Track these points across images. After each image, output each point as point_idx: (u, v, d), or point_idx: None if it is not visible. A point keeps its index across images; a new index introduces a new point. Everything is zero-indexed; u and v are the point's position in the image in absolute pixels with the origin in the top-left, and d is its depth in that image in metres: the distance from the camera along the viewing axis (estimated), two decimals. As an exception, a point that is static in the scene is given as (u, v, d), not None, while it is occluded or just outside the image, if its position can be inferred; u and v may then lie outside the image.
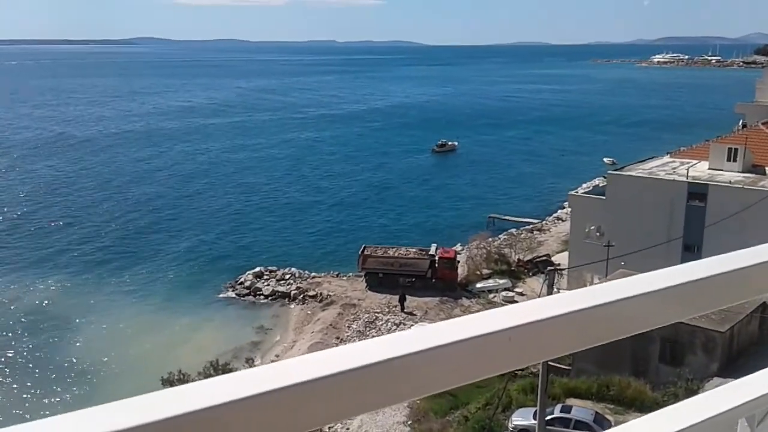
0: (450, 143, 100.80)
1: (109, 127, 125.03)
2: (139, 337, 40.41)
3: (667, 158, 46.74)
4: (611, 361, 28.65)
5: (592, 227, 43.03)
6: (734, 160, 41.66)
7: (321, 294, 46.04)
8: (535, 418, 24.73)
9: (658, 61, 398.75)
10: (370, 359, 0.97)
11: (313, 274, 50.09)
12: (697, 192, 39.40)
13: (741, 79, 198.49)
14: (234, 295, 47.65)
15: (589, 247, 41.47)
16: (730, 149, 42.18)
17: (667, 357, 28.91)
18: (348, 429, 30.52)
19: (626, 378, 28.06)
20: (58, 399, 34.12)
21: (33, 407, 33.30)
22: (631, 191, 41.51)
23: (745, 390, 1.62)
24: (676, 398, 24.81)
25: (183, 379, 29.76)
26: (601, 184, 55.25)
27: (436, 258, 46.37)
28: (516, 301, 43.46)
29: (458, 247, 54.15)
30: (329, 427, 29.69)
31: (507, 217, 63.89)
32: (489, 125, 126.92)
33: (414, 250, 48.33)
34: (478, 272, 48.41)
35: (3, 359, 38.30)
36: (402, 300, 42.81)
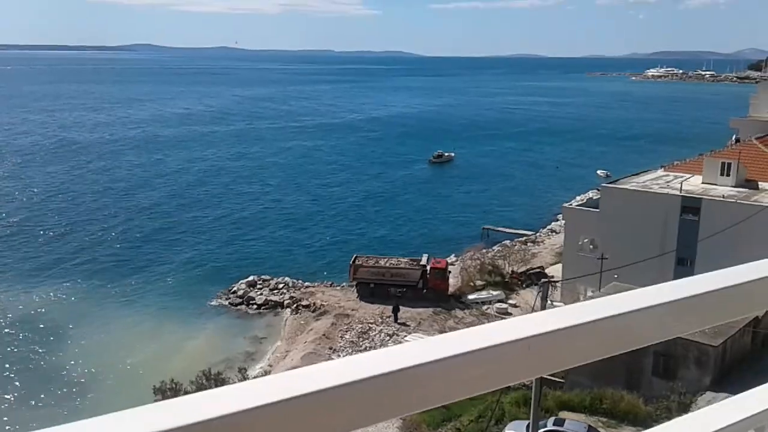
0: (447, 154, 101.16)
1: (105, 134, 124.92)
2: (132, 346, 40.18)
3: (660, 172, 46.95)
4: (604, 374, 28.63)
5: (586, 240, 43.12)
6: (728, 175, 41.88)
7: (314, 304, 45.92)
8: (528, 431, 24.66)
9: (653, 75, 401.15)
10: (393, 367, 0.97)
11: (306, 283, 49.99)
12: (691, 206, 39.57)
13: (734, 94, 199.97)
14: (227, 304, 47.47)
15: (582, 260, 41.56)
16: (723, 164, 42.41)
17: (660, 370, 28.91)
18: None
19: (619, 391, 28.04)
20: (50, 407, 33.82)
21: (25, 416, 33.04)
22: (624, 204, 41.65)
23: (753, 402, 1.62)
24: (669, 412, 24.82)
25: (175, 388, 29.58)
26: (595, 197, 55.39)
27: (428, 268, 46.37)
28: (510, 313, 43.54)
29: (452, 258, 54.18)
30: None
31: (501, 229, 64.00)
32: (485, 137, 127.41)
33: (405, 260, 48.32)
34: (472, 283, 48.40)
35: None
36: (395, 311, 42.75)
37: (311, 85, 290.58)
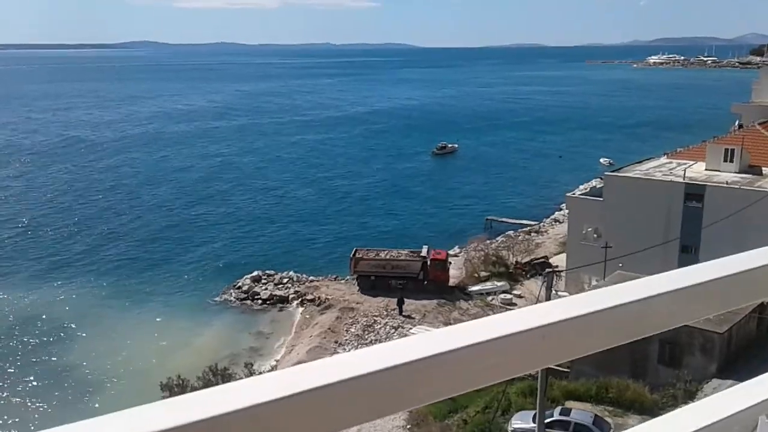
0: (450, 145, 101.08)
1: (109, 132, 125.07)
2: (139, 343, 40.31)
3: (664, 159, 46.83)
4: (610, 363, 28.65)
5: (590, 229, 43.06)
6: (731, 161, 41.73)
7: (319, 298, 46.00)
8: (534, 421, 24.72)
9: (654, 62, 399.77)
10: (407, 358, 0.98)
11: (311, 277, 50.04)
12: (694, 193, 39.46)
13: (737, 79, 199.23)
14: (232, 300, 47.56)
15: (586, 249, 41.51)
16: (726, 150, 42.26)
17: (666, 358, 28.93)
18: (347, 433, 30.43)
19: (625, 380, 28.07)
20: (59, 404, 33.98)
21: (32, 413, 33.22)
22: (628, 192, 41.56)
23: (761, 389, 1.63)
24: (675, 400, 24.85)
25: (182, 384, 29.68)
26: (598, 186, 55.32)
27: (428, 259, 46.47)
28: (514, 304, 43.55)
29: (456, 250, 54.17)
30: None
31: (505, 219, 63.93)
32: (488, 127, 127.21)
33: (405, 252, 48.36)
34: (476, 275, 48.41)
35: (2, 364, 38.16)
36: (400, 303, 42.80)
37: (312, 79, 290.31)
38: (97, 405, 33.21)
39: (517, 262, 50.26)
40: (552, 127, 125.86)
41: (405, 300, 43.11)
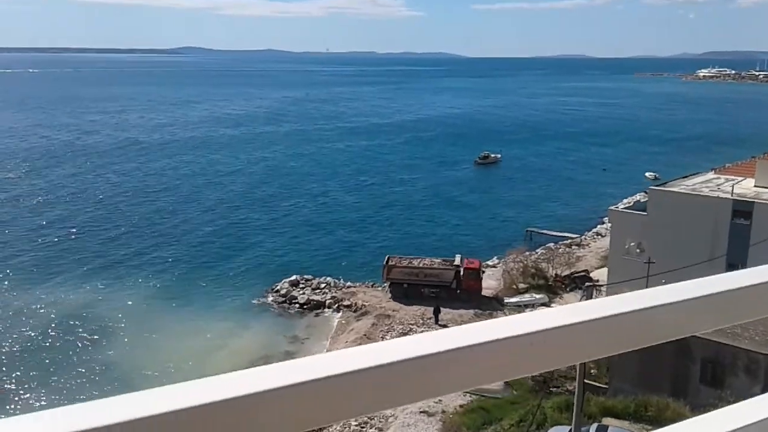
0: (493, 155, 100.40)
1: (161, 135, 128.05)
2: (177, 342, 40.99)
3: (711, 174, 45.72)
4: (650, 381, 28.02)
5: (633, 243, 42.22)
6: (782, 178, 40.51)
7: (355, 304, 46.12)
8: (569, 437, 24.27)
9: (704, 76, 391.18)
10: (398, 357, 1.01)
11: (348, 283, 50.23)
12: (742, 210, 38.38)
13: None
14: (270, 302, 48.05)
15: (628, 264, 40.71)
16: (777, 166, 41.06)
17: (708, 378, 28.14)
18: (379, 441, 30.45)
19: (665, 398, 27.39)
20: (93, 399, 34.67)
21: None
22: (673, 208, 40.66)
23: None
24: (716, 421, 24.10)
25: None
26: (642, 200, 54.29)
27: (462, 268, 46.21)
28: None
29: (495, 260, 53.78)
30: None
31: (545, 231, 63.19)
32: (532, 138, 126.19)
33: (438, 260, 48.24)
34: (515, 286, 47.94)
35: (42, 362, 39.20)
36: (436, 312, 42.63)
37: (356, 87, 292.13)
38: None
39: (556, 275, 49.60)
40: (598, 139, 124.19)
41: (441, 309, 42.95)
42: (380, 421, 32.43)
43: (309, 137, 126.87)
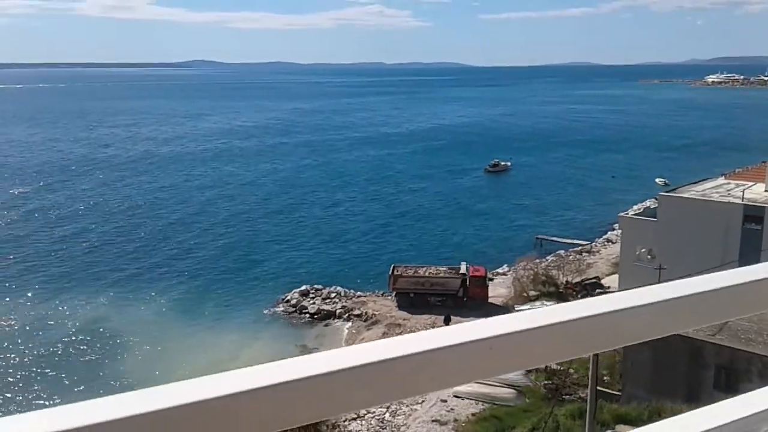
0: (503, 163, 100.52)
1: (175, 147, 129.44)
2: (189, 354, 41.08)
3: (721, 180, 45.52)
4: (663, 388, 27.81)
5: (643, 250, 42.06)
6: (793, 182, 40.31)
7: (366, 313, 46.11)
8: (582, 444, 24.13)
9: (712, 81, 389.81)
10: (361, 361, 1.05)
11: (358, 293, 50.26)
12: (753, 215, 38.20)
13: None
14: (281, 313, 48.14)
15: (639, 270, 40.51)
16: (788, 170, 40.85)
17: (722, 384, 27.90)
18: (391, 449, 30.37)
19: (679, 405, 27.16)
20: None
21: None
22: (684, 213, 40.49)
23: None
24: (731, 427, 23.90)
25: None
26: (653, 206, 54.09)
27: (468, 276, 46.20)
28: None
29: (505, 268, 53.67)
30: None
31: (555, 239, 63.02)
32: (541, 146, 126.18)
33: (444, 268, 48.36)
34: (525, 294, 47.80)
35: (56, 373, 39.40)
36: (447, 321, 42.55)
37: (366, 97, 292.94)
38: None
39: (567, 282, 49.43)
40: (608, 146, 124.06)
41: (451, 318, 42.87)
42: (392, 431, 32.36)
43: (319, 148, 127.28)
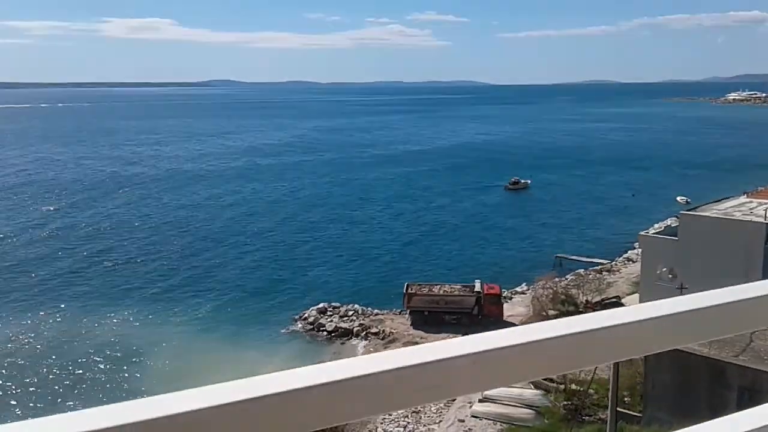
0: (523, 181, 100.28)
1: (201, 165, 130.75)
2: (206, 371, 41.09)
3: (743, 198, 44.98)
4: (685, 409, 27.34)
5: (664, 269, 41.56)
6: (817, 201, 39.70)
7: (383, 331, 45.95)
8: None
9: (734, 99, 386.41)
10: (354, 373, 1.08)
11: (375, 311, 50.12)
12: (777, 233, 37.61)
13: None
14: (299, 330, 48.14)
15: (660, 290, 39.97)
16: (812, 189, 40.27)
17: (745, 405, 27.32)
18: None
19: (701, 427, 26.65)
20: None
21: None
22: (705, 232, 39.99)
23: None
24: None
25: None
26: (674, 225, 53.52)
27: (482, 294, 46.00)
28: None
29: (524, 287, 53.29)
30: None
31: (575, 257, 62.50)
32: (562, 164, 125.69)
33: (458, 286, 48.29)
34: (544, 313, 47.31)
35: (75, 388, 39.67)
36: (465, 339, 42.28)
37: (385, 116, 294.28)
38: None
39: (587, 301, 48.89)
40: (628, 165, 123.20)
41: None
42: (410, 451, 32.11)
43: (341, 166, 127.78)
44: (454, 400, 35.71)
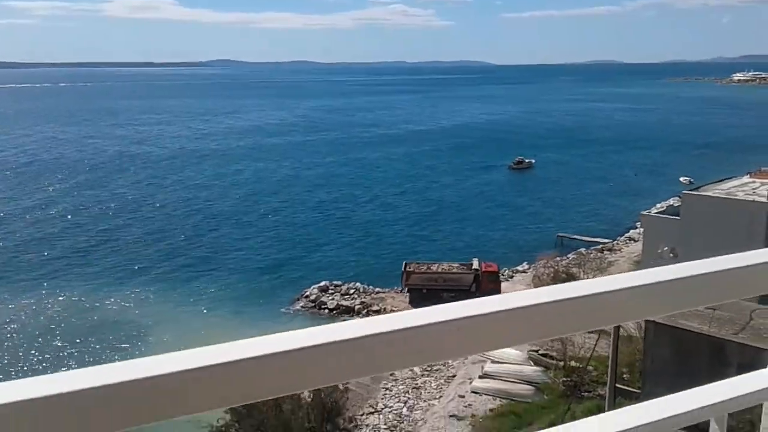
0: (527, 160, 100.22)
1: (209, 143, 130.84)
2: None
3: (746, 178, 44.82)
4: (684, 386, 27.43)
5: (665, 248, 41.57)
6: (820, 180, 39.59)
7: (385, 309, 46.18)
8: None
9: (739, 79, 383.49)
10: (347, 336, 1.12)
11: (377, 289, 50.36)
12: (779, 213, 37.53)
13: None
14: (300, 308, 48.39)
15: (661, 268, 40.05)
16: (815, 168, 40.14)
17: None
18: (409, 444, 30.43)
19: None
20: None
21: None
22: (707, 212, 39.91)
23: (719, 391, 1.73)
24: (752, 426, 23.62)
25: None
26: (675, 204, 53.46)
27: (480, 272, 46.20)
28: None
29: (525, 266, 53.43)
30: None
31: (576, 237, 62.60)
32: (565, 143, 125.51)
33: (456, 264, 48.61)
34: (545, 292, 47.55)
35: (77, 361, 39.99)
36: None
37: (389, 96, 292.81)
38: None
39: (588, 280, 49.00)
40: (632, 145, 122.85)
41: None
42: (410, 425, 32.42)
43: (346, 145, 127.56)
44: (454, 376, 35.99)
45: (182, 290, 51.76)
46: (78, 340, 43.10)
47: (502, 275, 50.87)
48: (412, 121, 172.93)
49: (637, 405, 1.65)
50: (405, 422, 32.52)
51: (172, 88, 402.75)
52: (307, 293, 50.13)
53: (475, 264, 47.78)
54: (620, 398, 26.95)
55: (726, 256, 1.64)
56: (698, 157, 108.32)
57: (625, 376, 30.94)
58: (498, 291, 46.16)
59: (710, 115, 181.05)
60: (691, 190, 44.44)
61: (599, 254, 56.55)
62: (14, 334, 44.12)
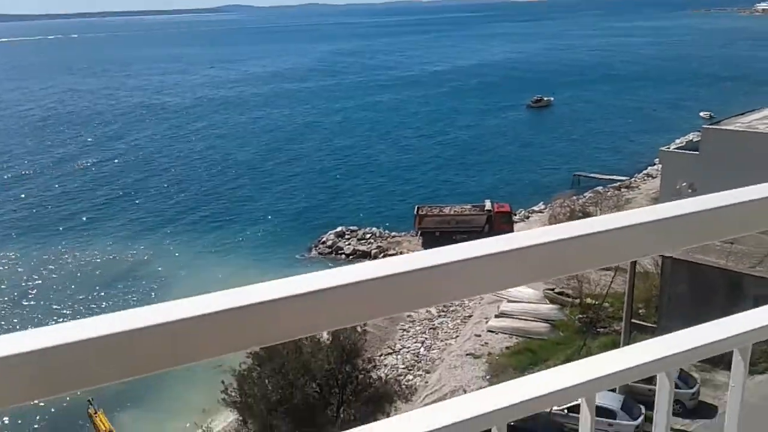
0: (546, 99, 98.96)
1: (226, 91, 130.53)
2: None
3: (768, 110, 43.75)
4: (700, 320, 27.44)
5: (684, 184, 41.00)
6: None
7: (401, 253, 46.10)
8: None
9: (763, 9, 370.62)
10: (363, 277, 1.11)
11: (393, 233, 50.57)
12: (801, 145, 36.73)
13: None
14: (317, 255, 48.82)
15: (679, 204, 39.63)
16: (839, 97, 39.02)
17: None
18: (427, 382, 31.02)
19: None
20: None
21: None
22: (727, 146, 39.12)
23: (743, 321, 1.66)
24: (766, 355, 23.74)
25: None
26: (695, 139, 52.50)
27: (493, 213, 46.14)
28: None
29: (541, 206, 53.21)
30: (409, 379, 30.31)
31: (593, 175, 62.00)
32: (585, 81, 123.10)
33: (468, 206, 48.53)
34: (561, 231, 47.42)
35: (94, 313, 40.90)
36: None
37: (403, 36, 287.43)
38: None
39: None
40: (652, 81, 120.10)
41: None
42: (427, 364, 32.98)
43: (361, 89, 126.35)
44: (470, 316, 36.37)
45: (202, 241, 52.37)
46: (101, 291, 44.02)
47: (518, 216, 50.73)
48: (429, 62, 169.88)
49: (658, 338, 1.62)
50: (422, 361, 33.08)
51: (185, 36, 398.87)
52: (324, 239, 50.48)
53: (488, 205, 47.69)
54: (635, 333, 27.15)
55: (745, 188, 1.58)
56: (721, 91, 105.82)
57: (641, 311, 31.09)
58: (511, 231, 46.17)
59: (732, 48, 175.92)
60: (711, 124, 43.57)
61: (616, 192, 56.06)
62: (38, 287, 45.14)
